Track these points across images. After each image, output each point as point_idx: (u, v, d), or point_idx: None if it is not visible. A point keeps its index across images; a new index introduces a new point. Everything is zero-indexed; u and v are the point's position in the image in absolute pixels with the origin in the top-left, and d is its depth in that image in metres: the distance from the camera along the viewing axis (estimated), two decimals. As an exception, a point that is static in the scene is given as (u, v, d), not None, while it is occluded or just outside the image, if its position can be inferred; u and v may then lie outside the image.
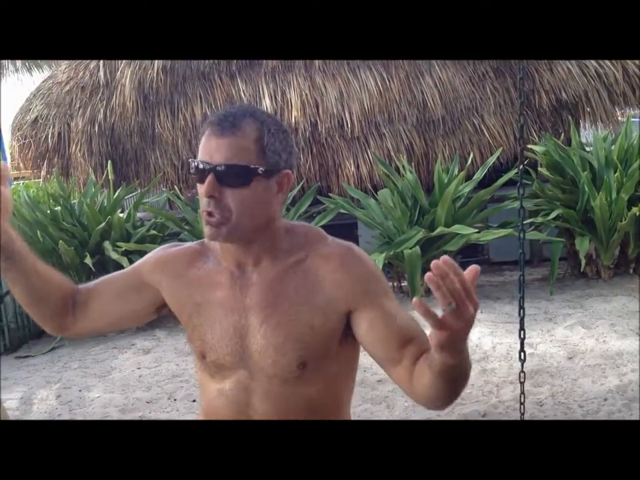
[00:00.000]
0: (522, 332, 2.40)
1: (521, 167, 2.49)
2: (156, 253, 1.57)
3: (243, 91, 7.44)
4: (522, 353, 2.42)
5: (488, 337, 5.15)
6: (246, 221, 1.38)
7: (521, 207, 2.37)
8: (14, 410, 4.41)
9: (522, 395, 2.46)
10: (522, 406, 2.46)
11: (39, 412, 4.43)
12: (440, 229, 6.04)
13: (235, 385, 1.46)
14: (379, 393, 4.16)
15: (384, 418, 3.87)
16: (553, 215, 6.28)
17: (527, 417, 3.81)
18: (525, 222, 6.25)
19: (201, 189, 1.37)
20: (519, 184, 2.39)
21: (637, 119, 8.89)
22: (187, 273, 1.51)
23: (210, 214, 1.36)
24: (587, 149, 7.11)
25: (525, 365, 4.57)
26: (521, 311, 2.41)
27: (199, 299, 1.48)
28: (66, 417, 4.30)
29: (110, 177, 6.69)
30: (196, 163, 1.37)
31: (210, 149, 1.35)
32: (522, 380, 2.44)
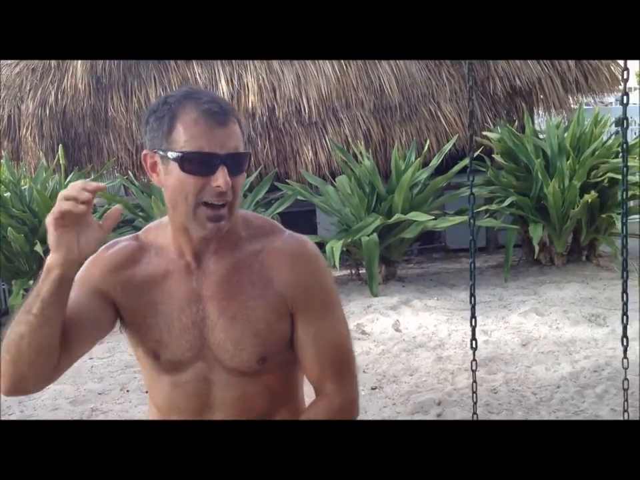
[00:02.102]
0: (473, 319, 2.41)
1: (471, 153, 2.49)
2: (97, 257, 1.44)
3: (199, 74, 7.31)
4: (473, 342, 2.42)
5: (444, 325, 5.18)
6: (236, 209, 1.36)
7: (470, 194, 2.37)
8: (-39, 402, 4.29)
9: (474, 384, 2.47)
10: (474, 395, 2.47)
11: (-13, 404, 4.32)
12: (397, 216, 6.05)
13: (193, 377, 1.42)
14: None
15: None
16: (507, 202, 6.35)
17: (481, 404, 3.85)
18: (479, 209, 6.37)
19: (198, 180, 1.29)
20: (468, 170, 2.39)
21: (590, 107, 9.01)
22: (136, 272, 1.43)
23: (221, 206, 1.31)
24: (541, 136, 7.19)
25: (478, 352, 4.62)
26: (472, 298, 2.41)
27: (154, 296, 1.41)
28: (15, 409, 4.20)
29: (61, 162, 6.52)
30: (199, 155, 1.28)
31: (217, 139, 1.28)
32: (474, 368, 2.45)
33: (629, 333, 4.86)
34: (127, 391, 4.31)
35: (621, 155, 2.13)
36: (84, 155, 7.51)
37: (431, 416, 3.70)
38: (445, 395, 3.94)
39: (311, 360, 1.43)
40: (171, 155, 1.30)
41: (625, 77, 2.05)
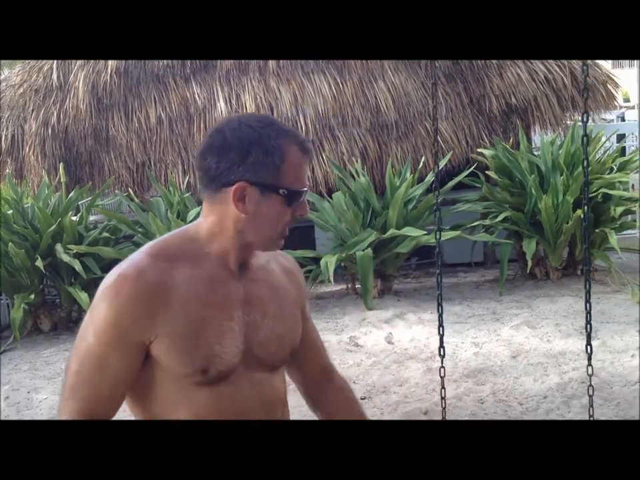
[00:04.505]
0: (441, 328, 2.63)
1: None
2: (123, 297, 1.35)
3: (198, 94, 7.46)
4: (441, 349, 2.62)
5: (436, 337, 5.22)
6: None
7: (437, 210, 2.49)
8: (-39, 414, 4.39)
9: (442, 390, 2.61)
10: (443, 400, 2.59)
11: (-14, 415, 4.41)
12: (391, 231, 6.15)
13: (235, 380, 1.44)
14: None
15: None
16: (501, 217, 6.44)
17: (467, 414, 3.92)
18: (474, 224, 6.48)
19: (286, 210, 1.42)
20: (434, 186, 2.51)
21: (590, 123, 9.08)
22: (173, 296, 1.38)
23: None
24: (536, 152, 7.28)
25: (468, 363, 4.70)
26: (440, 308, 2.62)
27: (201, 313, 1.40)
28: (13, 418, 4.29)
29: (62, 180, 6.66)
30: (302, 194, 1.43)
31: (305, 175, 1.44)
32: (442, 375, 2.61)
33: (617, 346, 4.94)
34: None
35: (583, 169, 2.24)
36: (85, 172, 7.66)
37: (417, 426, 3.78)
38: (432, 404, 4.01)
39: (318, 351, 1.71)
40: (282, 192, 1.38)
41: (585, 95, 2.16)
